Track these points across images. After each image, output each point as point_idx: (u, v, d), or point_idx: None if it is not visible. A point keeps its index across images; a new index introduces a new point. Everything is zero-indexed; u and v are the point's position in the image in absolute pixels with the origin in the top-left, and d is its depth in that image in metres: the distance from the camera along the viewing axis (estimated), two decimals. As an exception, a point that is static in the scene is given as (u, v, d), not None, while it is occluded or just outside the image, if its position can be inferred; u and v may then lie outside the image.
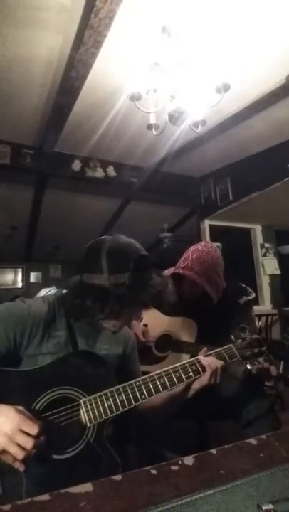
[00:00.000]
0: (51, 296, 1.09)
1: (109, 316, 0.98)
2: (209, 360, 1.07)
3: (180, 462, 0.63)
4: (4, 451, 0.77)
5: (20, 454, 0.77)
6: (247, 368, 1.11)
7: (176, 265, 1.67)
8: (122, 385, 0.93)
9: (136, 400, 0.93)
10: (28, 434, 0.78)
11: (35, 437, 0.78)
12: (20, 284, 7.57)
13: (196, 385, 1.09)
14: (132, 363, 1.19)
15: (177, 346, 1.60)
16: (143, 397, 0.94)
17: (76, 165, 3.64)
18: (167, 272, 1.82)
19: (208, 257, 1.59)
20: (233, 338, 1.15)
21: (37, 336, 0.98)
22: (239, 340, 1.13)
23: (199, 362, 1.06)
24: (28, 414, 0.81)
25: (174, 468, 0.61)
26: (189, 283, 1.59)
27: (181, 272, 1.58)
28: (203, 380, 1.06)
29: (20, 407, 0.82)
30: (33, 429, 0.78)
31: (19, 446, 0.77)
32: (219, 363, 1.08)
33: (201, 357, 1.08)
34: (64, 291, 1.13)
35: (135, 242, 1.04)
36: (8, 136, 3.26)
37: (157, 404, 1.10)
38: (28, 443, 0.77)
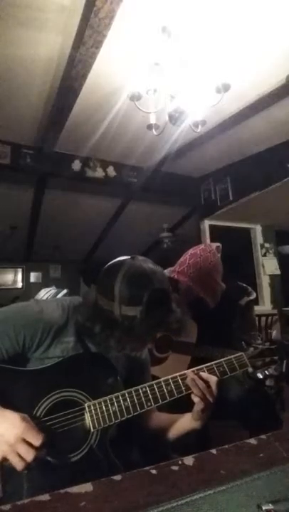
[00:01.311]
0: (66, 301, 1.04)
1: (115, 347, 0.94)
2: (197, 380, 0.93)
3: (180, 462, 0.63)
4: (6, 459, 0.76)
5: (19, 464, 0.76)
6: (259, 377, 1.07)
7: (172, 268, 1.66)
8: (127, 391, 0.90)
9: (141, 406, 0.90)
10: (30, 445, 0.76)
11: (37, 449, 0.76)
12: (20, 284, 7.56)
13: (197, 414, 0.97)
14: (142, 368, 1.15)
15: (177, 347, 1.59)
16: (149, 404, 0.90)
17: (76, 165, 3.64)
18: (167, 272, 1.83)
19: (206, 262, 1.57)
20: (244, 345, 1.11)
21: (46, 340, 0.95)
22: (251, 349, 1.08)
23: (209, 369, 0.98)
24: (32, 423, 0.79)
25: (174, 468, 0.61)
26: (184, 288, 1.58)
27: (176, 276, 1.57)
28: (198, 405, 0.94)
29: (26, 415, 0.80)
30: (36, 440, 0.76)
31: (20, 456, 0.76)
32: (212, 380, 0.95)
33: (191, 375, 0.96)
34: (77, 298, 1.09)
35: (155, 270, 0.94)
36: (8, 136, 3.26)
37: (168, 434, 1.05)
38: (29, 455, 0.75)
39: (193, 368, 0.98)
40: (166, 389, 0.93)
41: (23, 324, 0.93)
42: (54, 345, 0.96)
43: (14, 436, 0.75)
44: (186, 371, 0.96)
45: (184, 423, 1.02)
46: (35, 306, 0.99)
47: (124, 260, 0.95)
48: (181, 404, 1.01)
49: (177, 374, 0.96)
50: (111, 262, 0.97)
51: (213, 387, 0.94)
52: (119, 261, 0.96)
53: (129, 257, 0.96)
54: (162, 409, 1.13)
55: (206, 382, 0.94)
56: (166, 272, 1.76)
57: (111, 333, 0.91)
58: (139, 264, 0.93)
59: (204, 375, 0.95)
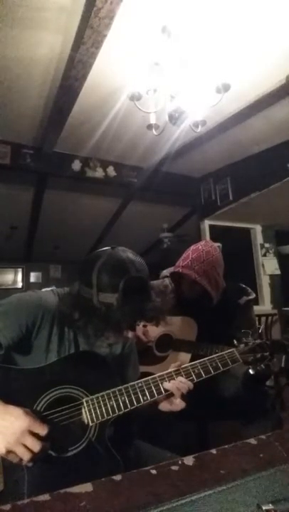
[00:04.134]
0: (61, 290, 1.08)
1: (92, 334, 0.97)
2: (177, 385, 0.98)
3: (180, 462, 0.63)
4: (11, 451, 0.77)
5: (27, 455, 0.77)
6: (250, 373, 1.09)
7: (175, 264, 1.67)
8: (124, 386, 0.93)
9: (138, 401, 0.92)
10: (36, 436, 0.78)
11: (43, 439, 0.78)
12: (20, 284, 7.56)
13: (164, 409, 1.03)
14: (129, 363, 1.18)
15: (178, 346, 1.60)
16: (145, 398, 0.93)
17: (76, 165, 3.64)
18: (166, 271, 1.82)
19: (208, 256, 1.59)
20: (236, 342, 1.13)
21: (46, 327, 0.98)
22: (242, 345, 1.11)
23: (202, 364, 1.03)
24: (35, 416, 0.81)
25: (174, 468, 0.61)
26: (189, 282, 1.59)
27: (180, 270, 1.57)
28: (174, 407, 1.00)
29: (28, 409, 0.82)
30: (42, 431, 0.78)
31: (26, 447, 0.77)
32: (187, 385, 1.00)
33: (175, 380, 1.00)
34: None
35: (134, 259, 0.96)
36: (8, 136, 3.26)
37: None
38: (36, 445, 0.77)
39: (185, 365, 1.00)
40: (161, 383, 0.96)
41: (25, 312, 0.96)
42: (53, 333, 0.99)
43: (20, 429, 0.77)
44: (186, 364, 1.00)
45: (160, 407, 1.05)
46: (34, 294, 1.03)
47: (103, 250, 0.99)
48: None
49: (171, 370, 0.99)
50: (92, 253, 1.02)
51: (191, 388, 0.99)
52: (99, 251, 1.00)
53: (109, 247, 1.00)
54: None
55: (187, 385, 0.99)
56: (169, 269, 1.76)
57: (89, 320, 0.94)
58: (117, 254, 0.97)
59: (183, 380, 1.00)
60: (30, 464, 0.79)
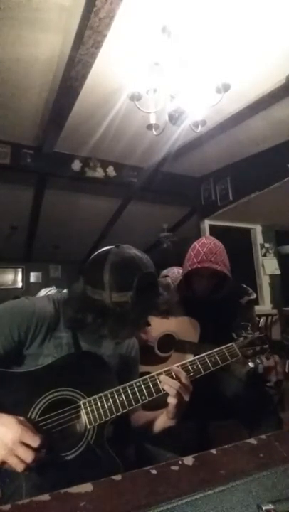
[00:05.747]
0: (56, 296, 1.06)
1: (109, 335, 0.96)
2: (169, 380, 0.93)
3: (180, 462, 0.63)
4: (4, 462, 0.76)
5: (20, 466, 0.75)
6: (250, 366, 1.09)
7: (185, 264, 1.67)
8: (122, 386, 0.91)
9: (136, 401, 0.91)
10: (29, 447, 0.76)
11: (36, 450, 0.76)
12: (20, 284, 7.56)
13: (172, 413, 0.97)
14: (135, 363, 1.17)
15: (180, 346, 1.60)
16: (143, 397, 0.91)
17: (76, 165, 3.64)
18: (166, 271, 1.83)
19: (217, 247, 1.65)
20: (235, 336, 1.13)
21: (40, 335, 0.96)
22: (241, 339, 1.10)
23: (201, 360, 1.00)
24: (29, 425, 0.79)
25: (174, 468, 0.61)
26: (208, 274, 1.63)
27: (199, 266, 1.59)
28: (172, 401, 0.94)
29: (22, 418, 0.80)
30: (35, 442, 0.76)
31: (19, 458, 0.75)
32: (183, 375, 0.94)
33: (166, 375, 0.95)
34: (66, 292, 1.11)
35: (141, 256, 0.97)
36: (8, 136, 3.26)
37: (141, 425, 1.07)
38: (29, 456, 0.75)
39: (184, 362, 0.98)
40: (159, 381, 0.94)
41: (18, 321, 0.94)
42: (47, 340, 0.97)
43: (12, 440, 0.75)
44: (162, 370, 0.96)
45: (160, 422, 1.03)
46: (27, 301, 1.01)
47: (109, 249, 0.97)
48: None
49: (170, 367, 0.97)
50: (97, 253, 0.99)
51: (186, 382, 0.93)
52: (104, 250, 0.98)
53: (113, 246, 0.98)
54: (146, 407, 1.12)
55: (178, 378, 0.94)
56: (169, 269, 1.76)
57: (103, 322, 0.93)
58: (125, 252, 0.96)
59: (175, 369, 0.95)
60: (26, 473, 0.78)
